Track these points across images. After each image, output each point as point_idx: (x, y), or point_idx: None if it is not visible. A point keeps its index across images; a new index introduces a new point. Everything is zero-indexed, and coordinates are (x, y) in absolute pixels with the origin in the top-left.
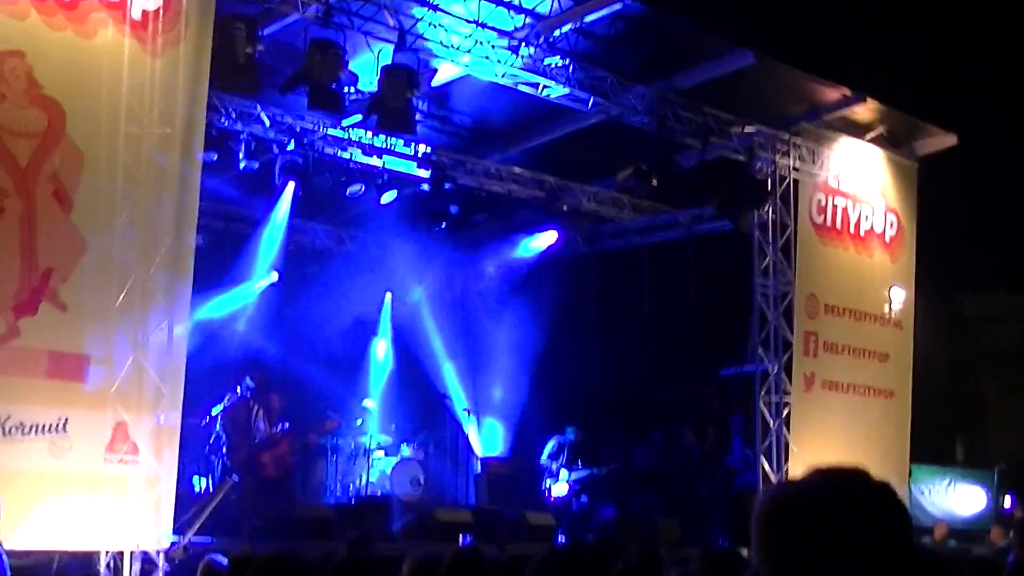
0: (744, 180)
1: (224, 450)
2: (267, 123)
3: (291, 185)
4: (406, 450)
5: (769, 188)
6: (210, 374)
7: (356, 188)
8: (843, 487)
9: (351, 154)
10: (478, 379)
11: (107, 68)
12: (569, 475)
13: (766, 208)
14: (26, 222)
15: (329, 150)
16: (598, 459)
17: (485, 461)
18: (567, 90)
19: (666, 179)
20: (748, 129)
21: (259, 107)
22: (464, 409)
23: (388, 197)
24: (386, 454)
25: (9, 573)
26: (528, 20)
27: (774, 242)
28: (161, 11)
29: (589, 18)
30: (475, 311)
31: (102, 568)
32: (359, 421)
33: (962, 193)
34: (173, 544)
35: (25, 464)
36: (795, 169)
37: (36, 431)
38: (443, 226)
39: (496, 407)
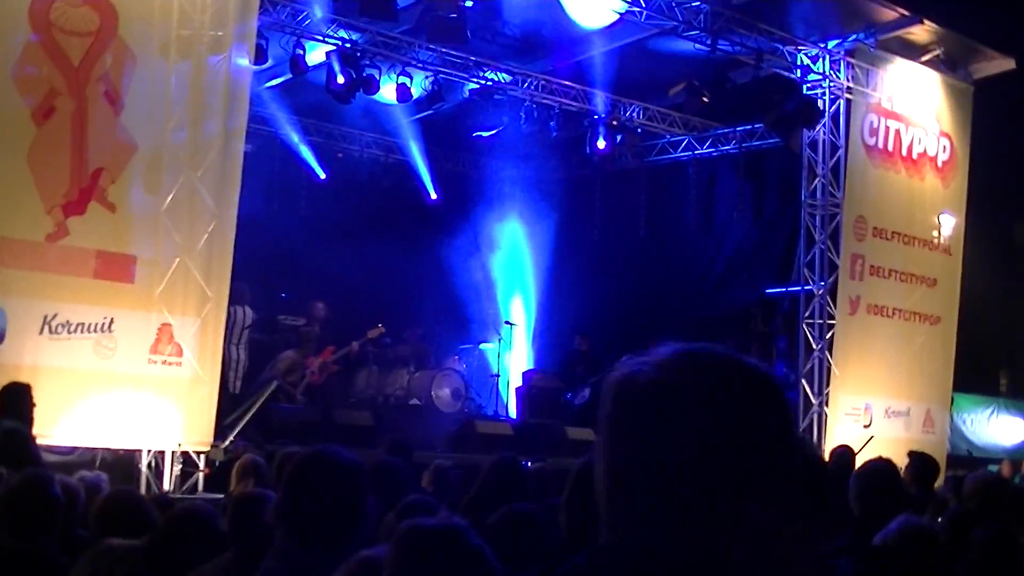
0: (796, 98)
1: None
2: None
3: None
4: (449, 361)
5: (821, 107)
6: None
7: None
8: (713, 368)
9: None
10: (516, 291)
11: None
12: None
13: (817, 127)
14: (77, 121)
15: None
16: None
17: (527, 374)
18: (622, 3)
19: (718, 95)
20: (802, 47)
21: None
22: (506, 321)
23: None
24: (427, 366)
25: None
26: None
27: (824, 162)
28: None
29: None
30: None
31: (143, 467)
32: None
33: (1018, 119)
34: (214, 445)
35: (70, 362)
36: (848, 89)
37: (82, 330)
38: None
39: (539, 320)
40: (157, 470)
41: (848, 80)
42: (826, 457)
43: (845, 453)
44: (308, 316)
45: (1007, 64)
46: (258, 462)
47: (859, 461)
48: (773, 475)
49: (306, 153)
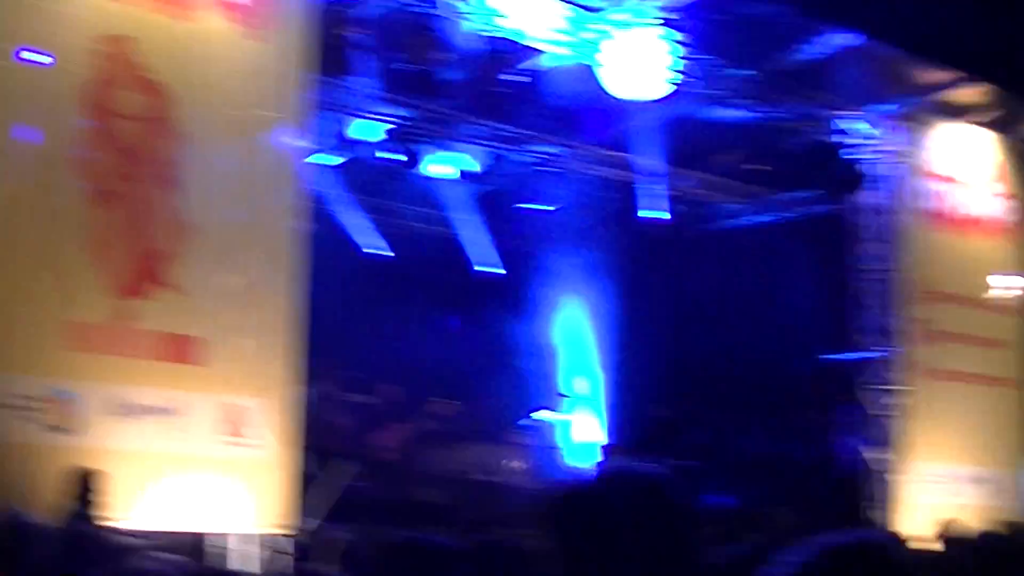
0: (848, 163)
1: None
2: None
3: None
4: (517, 435)
5: (872, 171)
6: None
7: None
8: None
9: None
10: (578, 363)
11: (211, 51)
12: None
13: (869, 192)
14: (136, 204)
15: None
16: (694, 445)
17: (605, 448)
18: (671, 73)
19: (770, 162)
20: (851, 112)
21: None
22: (562, 393)
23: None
24: (497, 440)
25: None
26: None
27: (878, 226)
28: None
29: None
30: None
31: (217, 549)
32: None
33: None
34: (292, 526)
35: (140, 444)
36: (901, 152)
37: (151, 412)
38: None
39: (607, 392)
40: (231, 551)
41: (899, 143)
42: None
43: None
44: (380, 393)
45: None
46: (352, 545)
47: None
48: None
49: (362, 230)
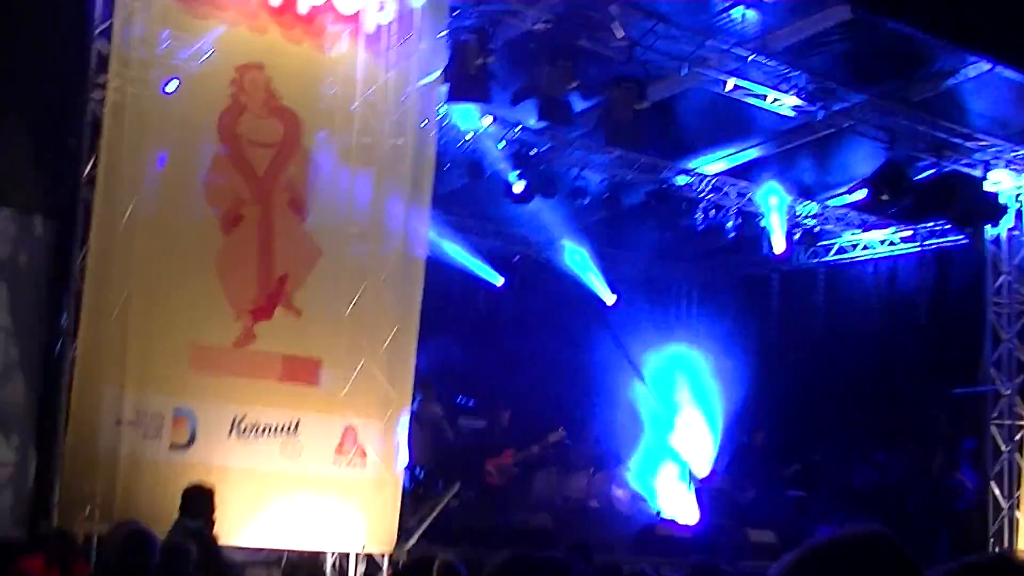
0: (979, 195)
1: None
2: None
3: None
4: (627, 462)
5: (1005, 203)
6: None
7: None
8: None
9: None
10: (693, 391)
11: (342, 79)
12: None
13: (1001, 224)
14: (263, 229)
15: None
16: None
17: (708, 475)
18: (798, 101)
19: (898, 194)
20: (983, 142)
21: (491, 118)
22: (682, 421)
23: None
24: (606, 467)
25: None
26: (755, 30)
27: (1010, 259)
28: (395, 24)
29: (816, 28)
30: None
31: (328, 568)
32: None
33: None
34: (397, 547)
35: (257, 463)
36: None
37: (269, 432)
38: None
39: (723, 419)
40: (341, 571)
41: None
42: None
43: None
44: (489, 419)
45: None
46: (454, 566)
47: None
48: None
49: (480, 260)
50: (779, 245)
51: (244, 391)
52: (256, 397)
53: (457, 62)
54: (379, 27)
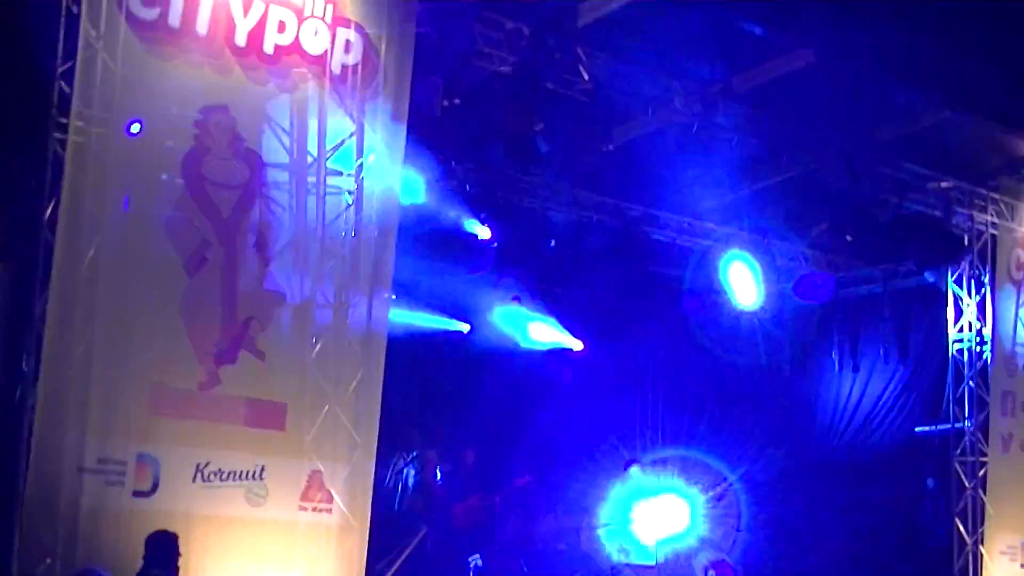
0: (941, 236)
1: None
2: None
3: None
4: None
5: (967, 244)
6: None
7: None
8: None
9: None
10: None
11: (305, 120)
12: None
13: (963, 264)
14: (228, 271)
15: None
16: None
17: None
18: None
19: (861, 234)
20: (945, 184)
21: (453, 161)
22: (631, 460)
23: None
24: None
25: None
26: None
27: (971, 299)
28: (360, 66)
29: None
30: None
31: None
32: None
33: None
34: None
35: (222, 509)
36: (993, 224)
37: (234, 477)
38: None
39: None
40: None
41: (992, 215)
42: None
43: None
44: (455, 462)
45: None
46: None
47: None
48: None
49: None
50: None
51: (208, 436)
52: (221, 442)
53: (422, 104)
54: (344, 68)
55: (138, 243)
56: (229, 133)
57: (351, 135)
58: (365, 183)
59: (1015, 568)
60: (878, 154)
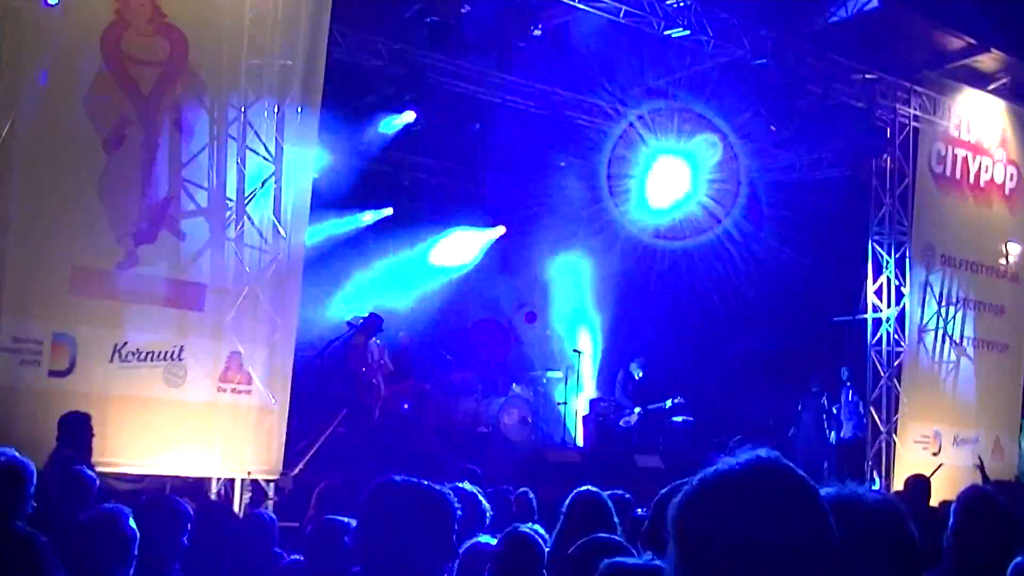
0: (864, 127)
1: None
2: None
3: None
4: (516, 388)
5: (889, 136)
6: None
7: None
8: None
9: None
10: (582, 321)
11: None
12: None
13: (885, 156)
14: (147, 150)
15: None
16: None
17: (593, 402)
18: (687, 32)
19: (785, 124)
20: (869, 76)
21: (379, 41)
22: (573, 349)
23: None
24: (495, 393)
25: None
26: None
27: (892, 191)
28: None
29: None
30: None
31: (212, 495)
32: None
33: None
34: (283, 473)
35: (140, 390)
36: (916, 118)
37: (152, 358)
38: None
39: (605, 349)
40: (226, 497)
41: (915, 108)
42: (900, 486)
43: (919, 482)
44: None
45: None
46: (337, 488)
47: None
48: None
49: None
50: None
51: (126, 316)
52: (139, 322)
53: None
54: None
55: (56, 119)
56: (150, 8)
57: (275, 13)
58: (289, 60)
59: (927, 456)
60: (804, 43)
